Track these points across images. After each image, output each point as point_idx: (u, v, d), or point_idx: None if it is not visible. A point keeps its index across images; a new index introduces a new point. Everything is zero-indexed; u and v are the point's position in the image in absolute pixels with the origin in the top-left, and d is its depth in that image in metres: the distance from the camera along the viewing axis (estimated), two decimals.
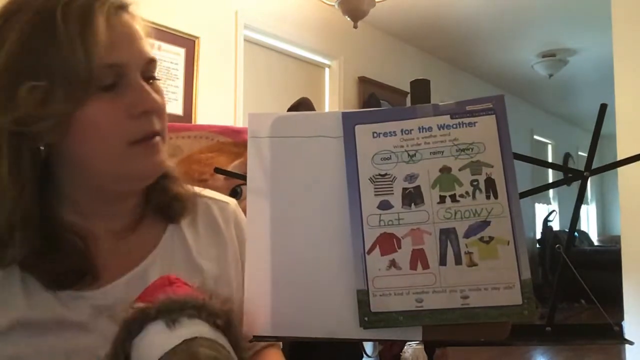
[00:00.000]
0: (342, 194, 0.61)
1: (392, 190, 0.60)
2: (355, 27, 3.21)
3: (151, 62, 0.67)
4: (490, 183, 0.58)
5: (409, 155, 0.61)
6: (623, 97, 2.60)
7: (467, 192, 0.58)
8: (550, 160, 7.16)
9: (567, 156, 7.60)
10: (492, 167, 0.59)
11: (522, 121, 6.41)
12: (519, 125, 6.34)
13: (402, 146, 0.61)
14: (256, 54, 3.35)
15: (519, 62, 5.15)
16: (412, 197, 0.59)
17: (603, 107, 0.60)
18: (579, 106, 6.88)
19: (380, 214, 0.59)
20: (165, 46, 2.72)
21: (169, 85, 2.73)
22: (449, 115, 0.61)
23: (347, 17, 3.19)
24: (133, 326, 0.56)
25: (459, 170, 0.59)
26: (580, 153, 8.02)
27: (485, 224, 0.57)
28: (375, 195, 0.60)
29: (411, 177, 0.60)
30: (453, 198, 0.59)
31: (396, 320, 0.57)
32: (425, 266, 0.57)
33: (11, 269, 0.61)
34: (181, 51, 2.80)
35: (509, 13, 4.01)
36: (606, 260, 4.50)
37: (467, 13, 4.03)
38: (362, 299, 0.57)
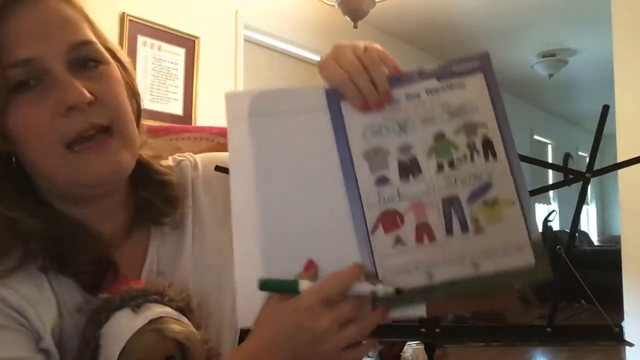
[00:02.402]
0: (334, 173, 0.57)
1: (387, 165, 0.57)
2: (355, 27, 3.21)
3: (80, 47, 0.59)
4: (487, 144, 0.56)
5: (399, 126, 0.58)
6: (623, 97, 2.60)
7: (464, 156, 0.56)
8: (550, 160, 7.16)
9: (567, 156, 7.59)
10: (487, 127, 0.57)
11: (522, 121, 6.41)
12: (519, 125, 6.33)
13: (391, 117, 0.58)
14: (256, 54, 3.35)
15: (519, 62, 5.14)
16: (409, 169, 0.57)
17: (605, 109, 0.59)
18: (579, 106, 6.88)
19: (379, 191, 0.57)
20: (165, 46, 2.72)
21: (169, 86, 2.73)
22: (435, 79, 0.58)
23: (347, 17, 3.19)
24: (100, 316, 0.58)
25: (453, 134, 0.57)
26: (580, 153, 8.01)
27: (487, 186, 0.55)
28: (371, 171, 0.57)
29: (405, 148, 0.57)
30: (451, 164, 0.56)
31: (411, 298, 0.55)
32: (432, 239, 0.55)
33: (42, 283, 0.59)
34: (181, 51, 2.80)
35: (509, 13, 4.01)
36: (606, 260, 4.49)
37: (467, 13, 4.03)
38: (371, 280, 0.54)
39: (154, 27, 2.66)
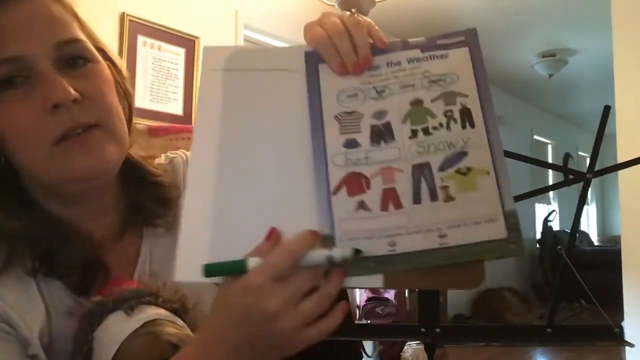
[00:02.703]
0: (303, 133, 0.55)
1: (359, 129, 0.55)
2: None
3: (67, 45, 0.59)
4: (465, 112, 0.54)
5: (377, 91, 0.56)
6: (623, 97, 2.60)
7: (440, 124, 0.54)
8: (550, 160, 7.16)
9: (567, 156, 7.59)
10: (467, 96, 0.55)
11: (522, 121, 6.40)
12: (519, 125, 6.33)
13: (369, 83, 0.56)
14: None
15: (519, 62, 5.14)
16: (382, 134, 0.54)
17: (606, 109, 0.59)
18: (579, 106, 6.87)
19: (346, 153, 0.54)
20: (165, 46, 2.72)
21: (169, 86, 2.73)
22: (419, 50, 0.57)
23: None
24: (93, 319, 0.57)
25: (431, 101, 0.55)
26: (580, 153, 8.01)
27: (462, 154, 0.53)
28: (341, 133, 0.55)
29: (380, 114, 0.55)
30: (426, 131, 0.54)
31: (367, 267, 0.51)
32: (398, 206, 0.52)
33: (30, 287, 0.58)
34: (181, 51, 2.80)
35: (509, 13, 4.01)
36: (606, 260, 4.50)
37: (467, 13, 4.03)
38: (327, 245, 0.50)
39: (154, 27, 2.66)
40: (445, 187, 0.52)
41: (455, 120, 0.54)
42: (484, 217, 0.51)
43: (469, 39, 0.57)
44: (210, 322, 0.51)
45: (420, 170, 0.53)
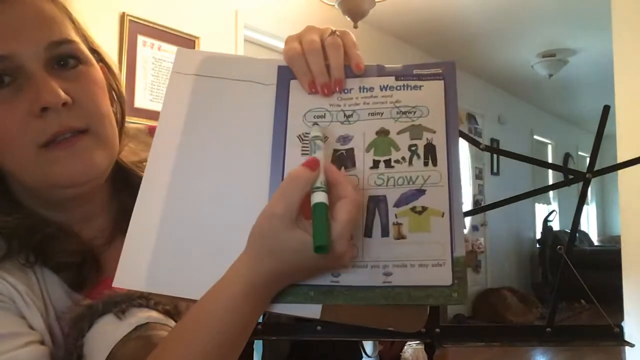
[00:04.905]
0: (264, 149, 0.54)
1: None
2: (355, 27, 3.21)
3: (59, 45, 0.57)
4: (430, 149, 0.53)
5: (345, 115, 0.55)
6: (623, 97, 2.60)
7: (403, 158, 0.53)
8: (550, 160, 7.16)
9: (567, 156, 7.59)
10: (434, 132, 0.53)
11: (522, 121, 6.41)
12: (519, 125, 6.33)
13: (339, 105, 0.55)
14: (256, 54, 3.35)
15: (519, 62, 5.15)
16: (343, 160, 0.53)
17: (606, 109, 0.59)
18: (579, 106, 6.88)
19: None
20: (165, 46, 2.72)
21: None
22: (393, 77, 0.56)
23: (347, 17, 3.19)
24: (82, 323, 0.54)
25: (397, 133, 0.53)
26: (580, 153, 8.02)
27: (420, 192, 0.51)
28: (302, 154, 0.53)
29: (345, 139, 0.54)
30: (388, 163, 0.53)
31: (306, 295, 0.50)
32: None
33: (30, 278, 0.57)
34: None
35: (509, 13, 4.01)
36: (606, 260, 4.50)
37: (467, 13, 4.03)
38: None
39: (154, 27, 2.66)
40: (398, 224, 0.51)
41: (418, 155, 0.53)
42: (431, 261, 0.50)
43: (446, 72, 0.56)
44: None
45: (376, 203, 0.51)
